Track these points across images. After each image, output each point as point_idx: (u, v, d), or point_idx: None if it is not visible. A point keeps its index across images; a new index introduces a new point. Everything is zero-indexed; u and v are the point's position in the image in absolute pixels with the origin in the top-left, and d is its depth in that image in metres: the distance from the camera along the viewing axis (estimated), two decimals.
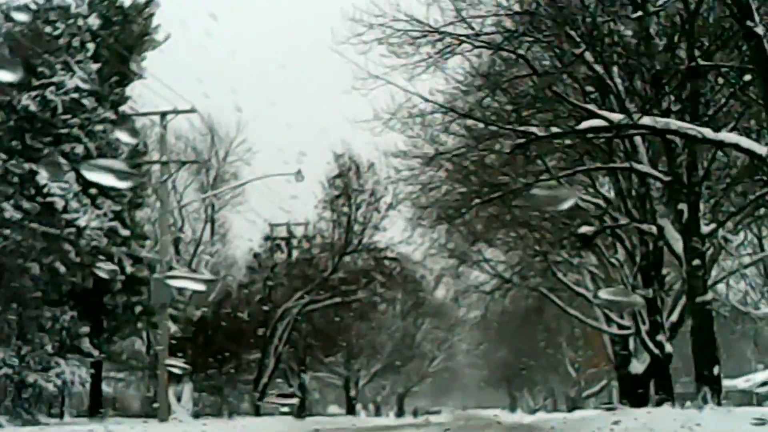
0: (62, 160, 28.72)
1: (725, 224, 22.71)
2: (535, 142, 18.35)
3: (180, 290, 41.37)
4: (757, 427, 16.41)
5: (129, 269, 30.34)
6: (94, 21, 29.92)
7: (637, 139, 21.02)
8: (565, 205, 6.28)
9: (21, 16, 26.42)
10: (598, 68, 19.25)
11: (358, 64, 18.38)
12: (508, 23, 19.19)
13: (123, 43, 31.09)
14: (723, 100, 19.66)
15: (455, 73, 21.23)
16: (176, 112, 30.02)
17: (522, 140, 15.22)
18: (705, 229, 20.51)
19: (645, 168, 20.50)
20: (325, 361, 52.56)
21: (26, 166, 26.76)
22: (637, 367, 32.20)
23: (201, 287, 10.89)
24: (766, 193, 22.20)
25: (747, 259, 30.66)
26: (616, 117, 14.99)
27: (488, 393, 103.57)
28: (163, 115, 30.16)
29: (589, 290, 33.37)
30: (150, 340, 39.06)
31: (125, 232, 30.42)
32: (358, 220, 40.00)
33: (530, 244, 33.39)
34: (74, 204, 27.94)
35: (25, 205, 26.66)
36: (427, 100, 17.61)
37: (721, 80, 20.20)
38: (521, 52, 16.30)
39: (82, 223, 27.94)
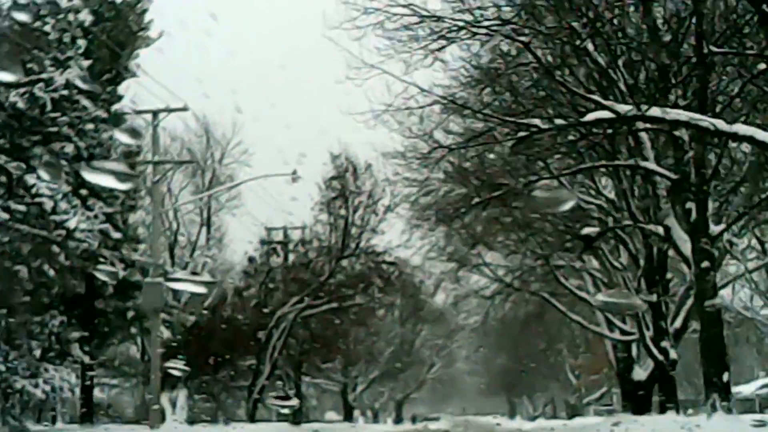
0: (53, 159, 28.28)
1: (736, 224, 21.97)
2: (536, 140, 17.73)
3: (176, 293, 40.89)
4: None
5: (121, 273, 29.65)
6: (85, 17, 29.24)
7: (643, 136, 20.34)
8: (565, 207, 6.26)
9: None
10: (602, 61, 18.58)
11: (352, 52, 17.60)
12: (510, 15, 18.45)
13: (115, 40, 30.46)
14: (733, 93, 18.92)
15: (454, 68, 20.57)
16: (169, 110, 29.38)
17: (524, 134, 14.55)
18: (714, 229, 19.81)
19: (651, 165, 19.79)
20: (322, 368, 51.88)
21: (14, 165, 26.07)
22: (640, 373, 31.82)
23: (201, 290, 10.75)
24: None
25: (752, 264, 30.08)
26: (623, 108, 14.29)
27: (487, 400, 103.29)
28: (156, 113, 29.49)
29: (592, 295, 32.81)
30: (145, 346, 38.46)
31: (117, 235, 29.77)
32: (356, 223, 39.28)
33: (531, 248, 32.74)
34: (64, 205, 27.23)
35: (13, 206, 25.95)
36: (424, 90, 16.88)
37: (728, 76, 19.56)
38: (523, 39, 15.55)
39: (71, 225, 27.22)
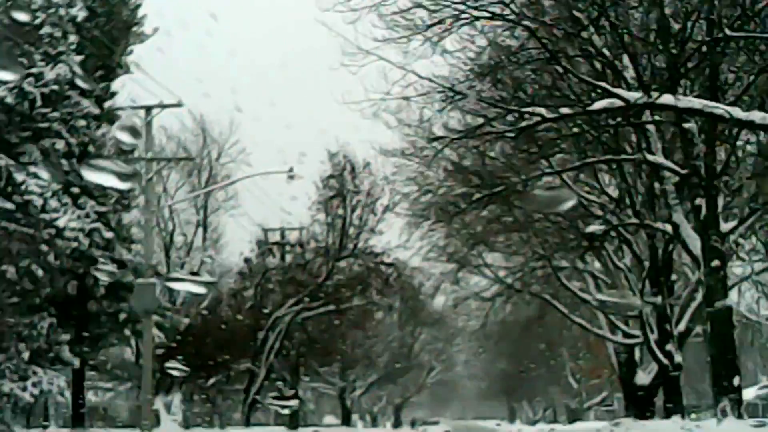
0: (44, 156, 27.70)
1: (747, 220, 21.25)
2: (539, 132, 17.07)
3: (172, 295, 40.28)
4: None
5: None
6: (77, 11, 28.61)
7: (651, 130, 19.63)
8: (566, 206, 6.16)
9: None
10: (607, 53, 17.91)
11: (347, 38, 16.84)
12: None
13: (108, 35, 29.83)
14: (746, 83, 18.20)
15: (453, 62, 19.84)
16: (162, 106, 28.74)
17: (528, 123, 13.87)
18: (725, 226, 19.11)
19: (659, 159, 19.08)
20: (319, 371, 51.24)
21: (2, 162, 25.41)
22: (643, 377, 31.33)
23: (201, 290, 10.53)
24: None
25: (759, 266, 29.46)
26: (633, 96, 13.60)
27: (487, 404, 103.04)
28: (149, 109, 28.84)
29: (594, 297, 32.22)
30: (139, 349, 37.81)
31: (109, 235, 29.07)
32: (354, 223, 38.64)
33: (533, 248, 32.10)
34: (53, 203, 26.57)
35: (0, 203, 25.28)
36: (422, 78, 16.14)
37: (738, 69, 18.88)
38: (527, 23, 14.82)
39: (61, 223, 26.58)
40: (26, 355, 26.65)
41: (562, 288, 33.18)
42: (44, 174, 26.24)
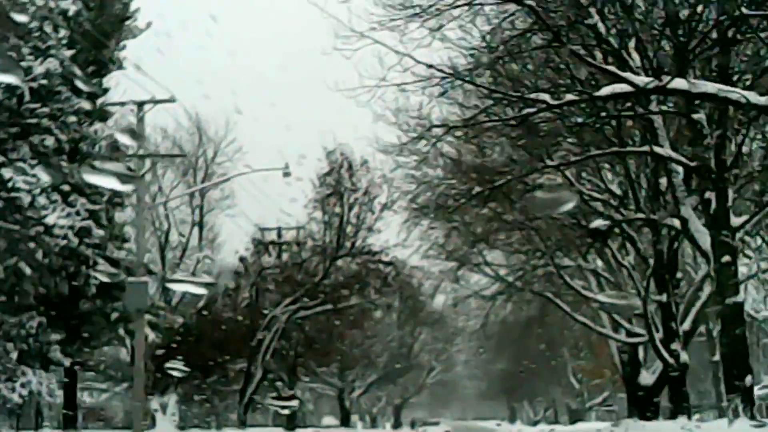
0: (29, 156, 27.06)
1: (758, 215, 20.58)
2: (541, 122, 16.44)
3: (167, 295, 39.71)
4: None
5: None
6: (68, 4, 27.99)
7: (657, 122, 18.95)
8: (566, 208, 5.57)
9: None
10: (613, 41, 17.25)
11: (341, 19, 16.06)
12: None
13: (99, 29, 29.17)
14: (759, 69, 17.52)
15: (454, 53, 19.18)
16: (154, 101, 28.04)
17: (531, 110, 13.22)
18: (735, 221, 18.44)
19: (667, 151, 18.40)
20: (318, 372, 50.63)
21: None
22: (647, 377, 30.67)
23: (201, 291, 9.79)
24: None
25: (764, 264, 28.89)
26: (643, 80, 12.92)
27: (487, 404, 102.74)
28: (141, 105, 28.15)
29: (596, 295, 31.64)
30: (134, 349, 37.22)
31: (100, 233, 28.40)
32: (351, 222, 37.97)
33: (534, 245, 31.48)
34: (42, 200, 25.90)
35: None
36: (419, 62, 15.43)
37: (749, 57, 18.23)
38: (530, 2, 14.11)
39: (50, 221, 25.90)
40: (14, 355, 26.09)
41: (564, 286, 32.56)
42: (33, 171, 25.64)
